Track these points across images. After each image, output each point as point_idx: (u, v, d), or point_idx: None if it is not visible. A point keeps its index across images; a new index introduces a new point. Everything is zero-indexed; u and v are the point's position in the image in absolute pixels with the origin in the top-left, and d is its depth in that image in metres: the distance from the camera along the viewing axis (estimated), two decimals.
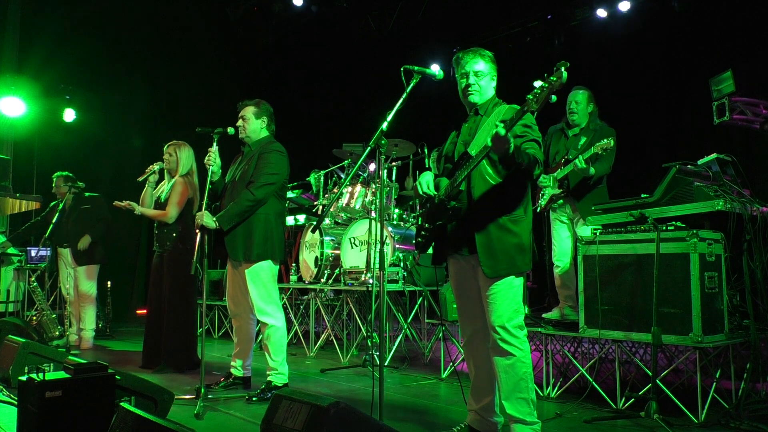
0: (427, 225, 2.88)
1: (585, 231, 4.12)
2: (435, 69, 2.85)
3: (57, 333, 5.88)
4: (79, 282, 6.05)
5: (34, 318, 5.89)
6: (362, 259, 5.41)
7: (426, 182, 2.80)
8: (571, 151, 4.32)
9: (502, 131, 2.37)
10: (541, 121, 2.81)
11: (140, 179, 4.91)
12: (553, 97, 4.53)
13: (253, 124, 3.98)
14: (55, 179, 6.22)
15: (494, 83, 2.89)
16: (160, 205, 4.83)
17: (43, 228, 5.96)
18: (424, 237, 2.91)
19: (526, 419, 2.64)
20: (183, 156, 4.86)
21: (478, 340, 2.87)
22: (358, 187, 5.87)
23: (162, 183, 4.98)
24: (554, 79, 2.34)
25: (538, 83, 2.38)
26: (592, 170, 4.16)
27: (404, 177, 6.52)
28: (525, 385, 2.65)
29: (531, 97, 2.39)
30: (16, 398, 3.00)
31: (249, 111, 3.99)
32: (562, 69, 2.34)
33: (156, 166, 4.89)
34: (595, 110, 4.48)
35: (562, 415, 3.40)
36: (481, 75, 2.81)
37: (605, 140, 4.06)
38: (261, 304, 3.83)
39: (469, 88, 2.82)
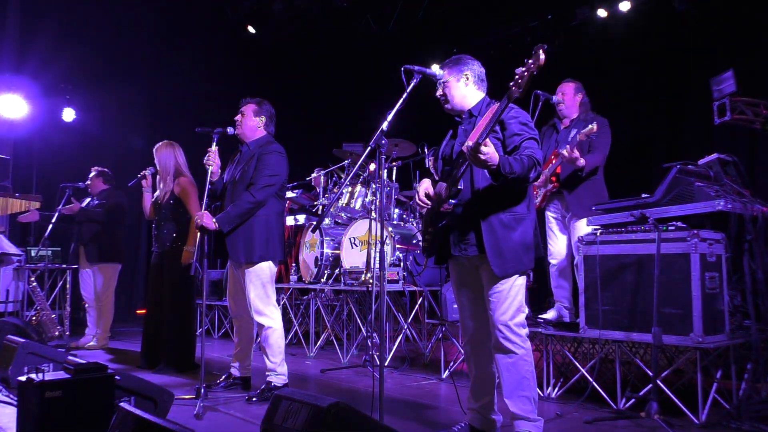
0: (429, 229, 2.87)
1: (582, 229, 4.10)
2: (435, 69, 2.85)
3: (57, 333, 5.86)
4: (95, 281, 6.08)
5: (34, 318, 5.87)
6: (362, 259, 5.40)
7: (423, 190, 2.81)
8: (562, 145, 4.28)
9: (470, 142, 2.37)
10: (540, 125, 2.79)
11: (130, 184, 5.08)
12: (554, 98, 4.51)
13: (250, 121, 3.96)
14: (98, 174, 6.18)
15: (475, 84, 2.83)
16: (159, 206, 4.83)
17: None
18: (428, 241, 2.90)
19: (529, 417, 2.67)
20: (161, 158, 4.84)
21: (478, 340, 2.88)
22: (359, 187, 5.87)
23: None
24: (531, 61, 2.36)
25: (518, 69, 2.40)
26: (581, 161, 4.08)
27: (405, 177, 6.49)
28: (527, 383, 2.67)
29: (512, 84, 2.39)
30: (15, 398, 3.00)
31: (248, 107, 3.99)
32: (540, 51, 2.35)
33: (147, 171, 4.98)
34: (585, 102, 4.39)
35: (563, 416, 3.40)
36: (445, 85, 2.83)
37: (589, 126, 4.02)
38: (258, 304, 3.82)
39: (440, 99, 2.87)
